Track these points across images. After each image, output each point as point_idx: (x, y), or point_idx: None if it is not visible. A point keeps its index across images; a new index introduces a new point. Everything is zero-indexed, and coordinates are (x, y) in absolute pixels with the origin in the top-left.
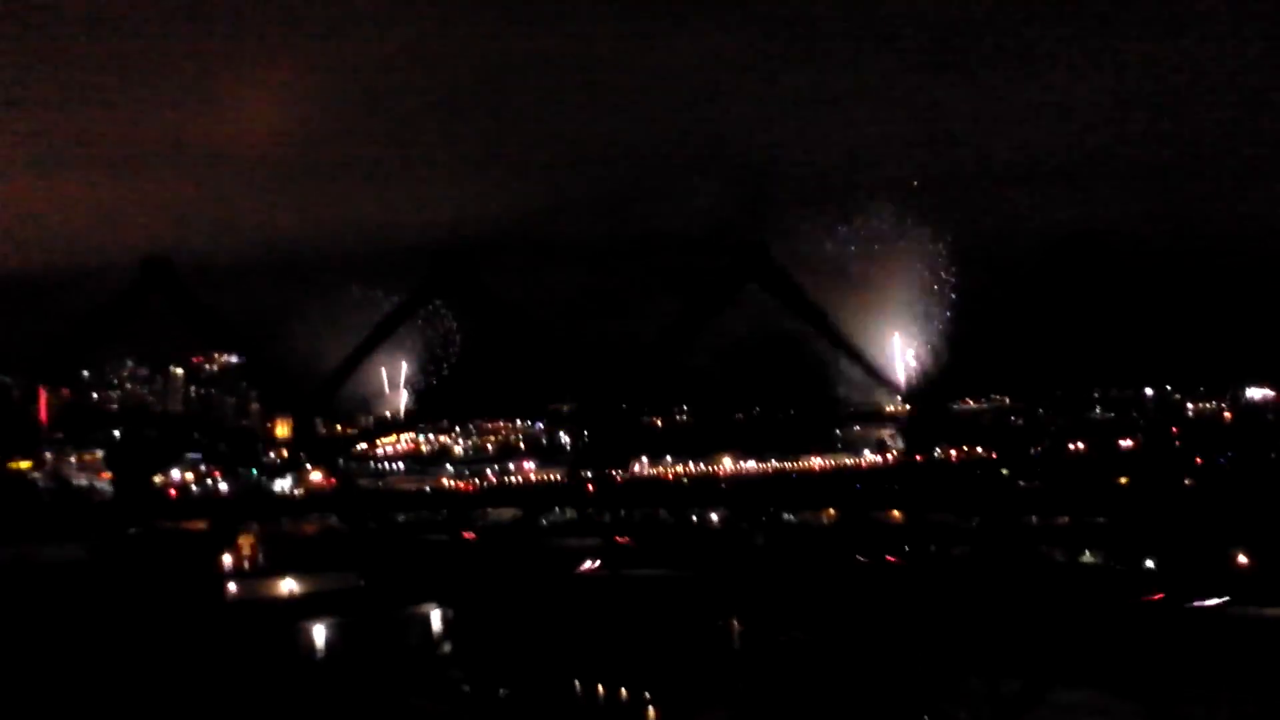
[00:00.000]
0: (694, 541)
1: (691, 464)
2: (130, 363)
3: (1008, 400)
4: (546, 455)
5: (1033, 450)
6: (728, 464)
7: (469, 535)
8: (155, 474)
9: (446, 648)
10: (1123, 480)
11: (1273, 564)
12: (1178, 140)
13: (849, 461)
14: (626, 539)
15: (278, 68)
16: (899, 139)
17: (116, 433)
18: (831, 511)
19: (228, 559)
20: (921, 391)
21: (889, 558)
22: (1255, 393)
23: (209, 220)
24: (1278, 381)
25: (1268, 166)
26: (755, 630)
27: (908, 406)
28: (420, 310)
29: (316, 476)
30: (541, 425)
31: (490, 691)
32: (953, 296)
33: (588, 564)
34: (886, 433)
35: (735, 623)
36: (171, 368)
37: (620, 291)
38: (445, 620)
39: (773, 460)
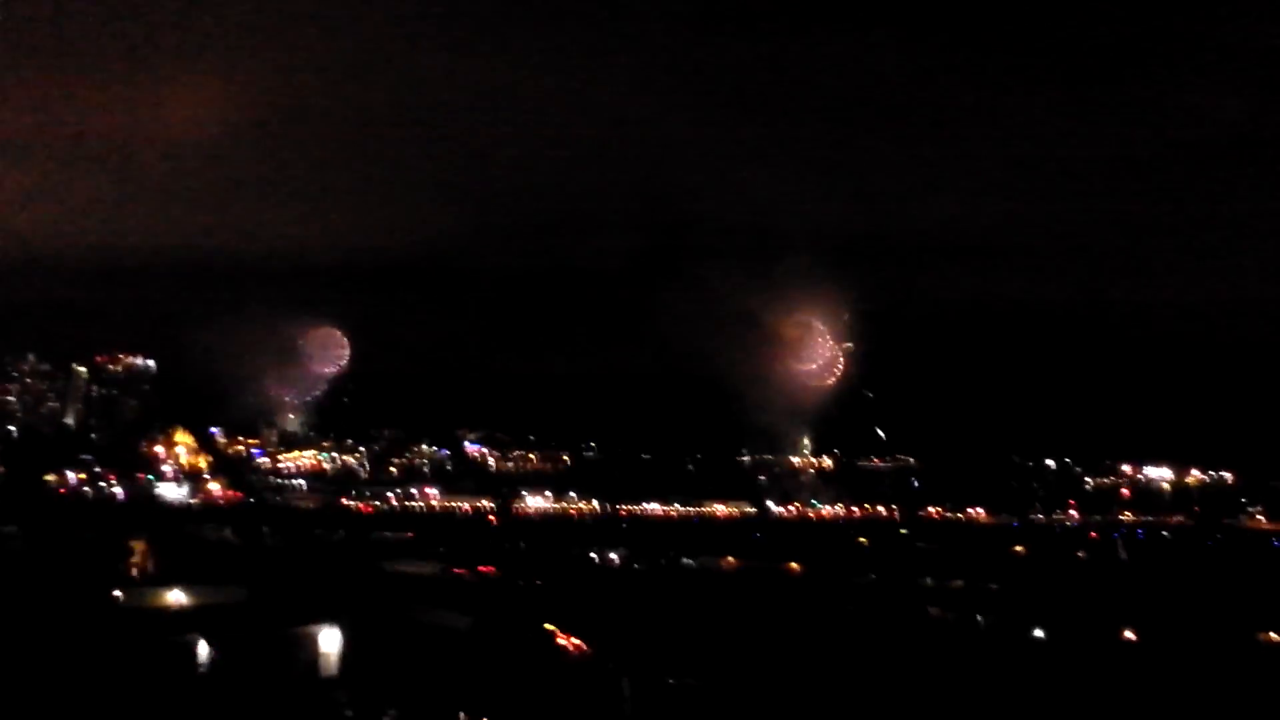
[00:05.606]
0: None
1: (595, 502)
2: (31, 357)
3: (911, 461)
4: (451, 482)
5: (934, 513)
6: (649, 505)
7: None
8: (48, 472)
9: (333, 670)
10: (1019, 549)
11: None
12: (1095, 218)
13: (752, 511)
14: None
15: (202, 71)
16: (819, 197)
17: (13, 428)
18: (731, 560)
19: (118, 565)
20: (828, 447)
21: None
22: (1153, 471)
23: (120, 220)
24: (1176, 460)
25: (1178, 248)
26: (647, 676)
27: (814, 461)
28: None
29: (215, 487)
30: (447, 452)
31: (374, 718)
32: (861, 355)
33: None
34: (793, 485)
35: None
36: (74, 365)
37: (530, 322)
38: (334, 641)
39: (676, 504)
